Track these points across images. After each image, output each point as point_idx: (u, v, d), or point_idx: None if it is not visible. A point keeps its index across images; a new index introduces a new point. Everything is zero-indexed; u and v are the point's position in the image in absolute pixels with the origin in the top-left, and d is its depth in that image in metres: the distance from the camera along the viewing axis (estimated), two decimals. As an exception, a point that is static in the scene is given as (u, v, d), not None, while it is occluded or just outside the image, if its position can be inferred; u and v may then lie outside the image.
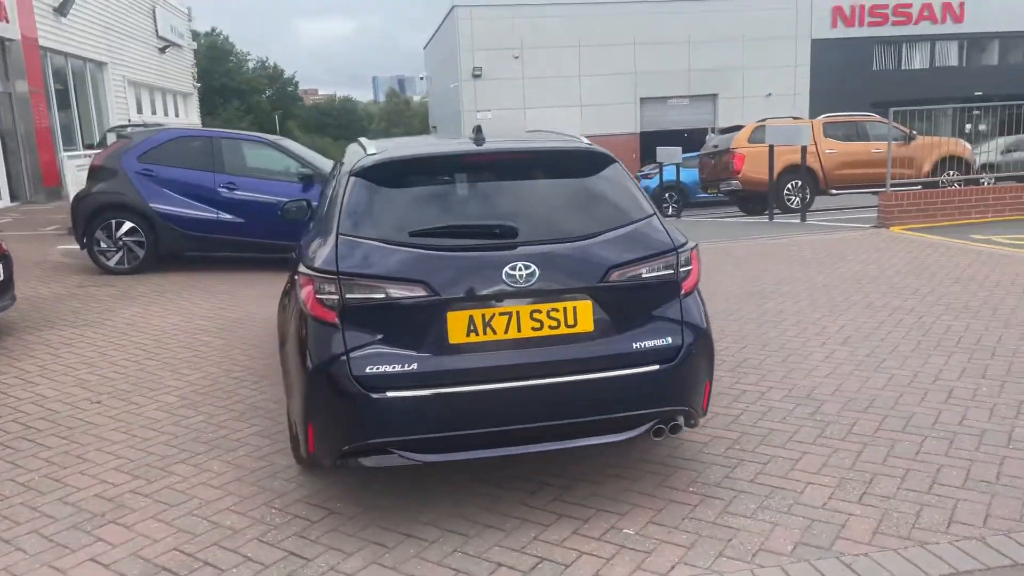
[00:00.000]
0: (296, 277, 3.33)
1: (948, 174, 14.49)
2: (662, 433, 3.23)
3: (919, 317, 6.19)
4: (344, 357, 2.98)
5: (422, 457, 3.03)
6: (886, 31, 33.61)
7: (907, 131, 14.90)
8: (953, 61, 34.62)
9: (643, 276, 3.17)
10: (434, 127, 46.52)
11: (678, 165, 18.37)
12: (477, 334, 2.99)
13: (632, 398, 3.14)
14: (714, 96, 33.11)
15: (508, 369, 3.00)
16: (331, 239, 3.18)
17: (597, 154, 3.53)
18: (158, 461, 3.99)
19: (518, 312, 3.02)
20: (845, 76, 32.83)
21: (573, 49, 32.50)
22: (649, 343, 3.14)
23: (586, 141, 3.80)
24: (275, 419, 4.52)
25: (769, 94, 32.27)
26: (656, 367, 3.13)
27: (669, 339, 3.17)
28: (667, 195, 19.44)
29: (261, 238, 9.23)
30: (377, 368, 2.97)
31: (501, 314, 3.01)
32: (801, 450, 3.76)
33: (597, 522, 3.15)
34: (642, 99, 32.93)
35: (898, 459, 3.62)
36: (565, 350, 3.05)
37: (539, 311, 3.03)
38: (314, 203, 5.93)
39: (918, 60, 34.49)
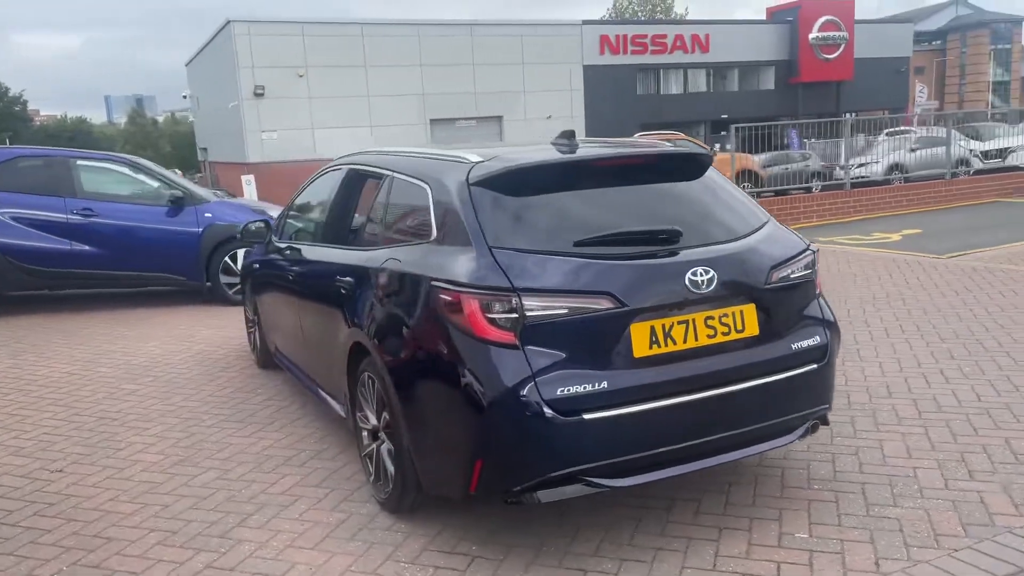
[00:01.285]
0: (428, 296, 2.99)
1: (744, 186, 16.17)
2: (807, 433, 3.31)
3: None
4: (531, 380, 2.74)
5: (612, 483, 2.85)
6: (647, 59, 36.66)
7: (706, 147, 16.39)
8: (703, 87, 38.54)
9: (792, 277, 3.23)
10: (203, 148, 43.62)
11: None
12: (659, 346, 2.89)
13: (795, 400, 3.18)
14: (500, 118, 34.15)
15: (690, 381, 2.93)
16: (478, 252, 2.91)
17: (703, 156, 3.53)
18: (208, 528, 3.41)
19: (694, 320, 2.96)
20: (615, 100, 35.38)
21: (360, 69, 32.04)
22: (804, 343, 3.20)
23: (669, 145, 3.82)
24: (303, 464, 4.04)
25: (550, 117, 33.87)
26: (812, 367, 3.19)
27: (817, 338, 3.25)
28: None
29: (126, 270, 8.16)
30: (568, 389, 2.76)
31: (679, 323, 2.93)
32: (875, 437, 4.02)
33: (761, 531, 3.16)
34: (432, 120, 33.18)
35: (962, 437, 3.98)
36: (736, 356, 3.03)
37: (712, 317, 2.98)
38: (257, 224, 5.40)
39: (674, 86, 37.99)
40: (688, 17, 55.14)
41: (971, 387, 4.73)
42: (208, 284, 8.54)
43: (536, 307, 2.78)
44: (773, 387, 3.07)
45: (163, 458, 4.26)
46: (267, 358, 5.74)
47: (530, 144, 3.93)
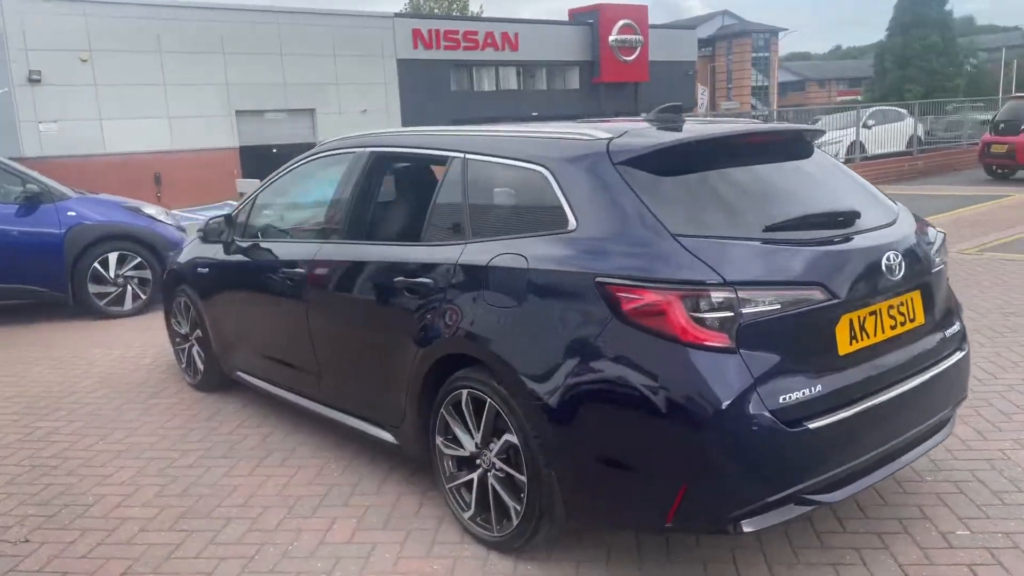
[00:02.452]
0: (594, 296, 2.57)
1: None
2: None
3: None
4: (753, 389, 2.43)
5: (826, 498, 2.61)
6: (460, 55, 36.66)
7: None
8: (513, 84, 39.17)
9: (942, 260, 3.16)
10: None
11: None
12: (857, 340, 2.68)
13: (950, 391, 3.08)
14: (312, 111, 32.66)
15: (884, 377, 2.74)
16: (660, 241, 2.53)
17: (817, 132, 3.38)
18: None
19: (881, 310, 2.78)
20: (429, 95, 35.07)
21: (154, 55, 29.28)
22: (951, 330, 3.10)
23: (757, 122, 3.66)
24: (346, 503, 3.49)
25: (365, 111, 32.91)
26: (959, 355, 3.10)
27: (957, 325, 3.17)
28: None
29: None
30: (789, 396, 2.47)
31: (870, 314, 2.74)
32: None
33: (920, 532, 3.07)
34: (238, 112, 31.04)
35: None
36: (912, 348, 2.89)
37: (893, 306, 2.82)
38: (217, 220, 4.62)
39: (487, 83, 38.30)
40: (484, 15, 55.84)
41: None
42: (73, 295, 7.28)
43: (752, 302, 2.46)
44: (939, 378, 2.97)
45: (157, 511, 3.52)
46: (216, 379, 4.94)
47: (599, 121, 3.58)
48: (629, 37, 40.18)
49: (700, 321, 2.43)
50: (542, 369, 2.69)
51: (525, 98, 38.46)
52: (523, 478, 2.84)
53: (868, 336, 2.72)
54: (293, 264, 3.97)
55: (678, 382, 2.43)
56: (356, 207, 3.78)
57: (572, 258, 2.69)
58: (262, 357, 4.42)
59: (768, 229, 2.66)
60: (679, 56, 43.41)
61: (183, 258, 5.14)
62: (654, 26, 42.48)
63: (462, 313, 3.00)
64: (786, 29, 65.23)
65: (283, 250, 4.16)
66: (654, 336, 2.46)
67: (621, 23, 39.77)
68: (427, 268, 3.18)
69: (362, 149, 3.84)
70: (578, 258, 2.67)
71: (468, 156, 3.26)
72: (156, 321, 6.30)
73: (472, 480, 3.11)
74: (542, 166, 2.90)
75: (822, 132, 3.53)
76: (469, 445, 3.09)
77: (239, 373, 4.68)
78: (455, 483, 3.20)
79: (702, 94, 50.54)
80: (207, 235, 4.76)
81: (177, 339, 5.30)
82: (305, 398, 4.08)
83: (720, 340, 2.43)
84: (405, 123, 33.43)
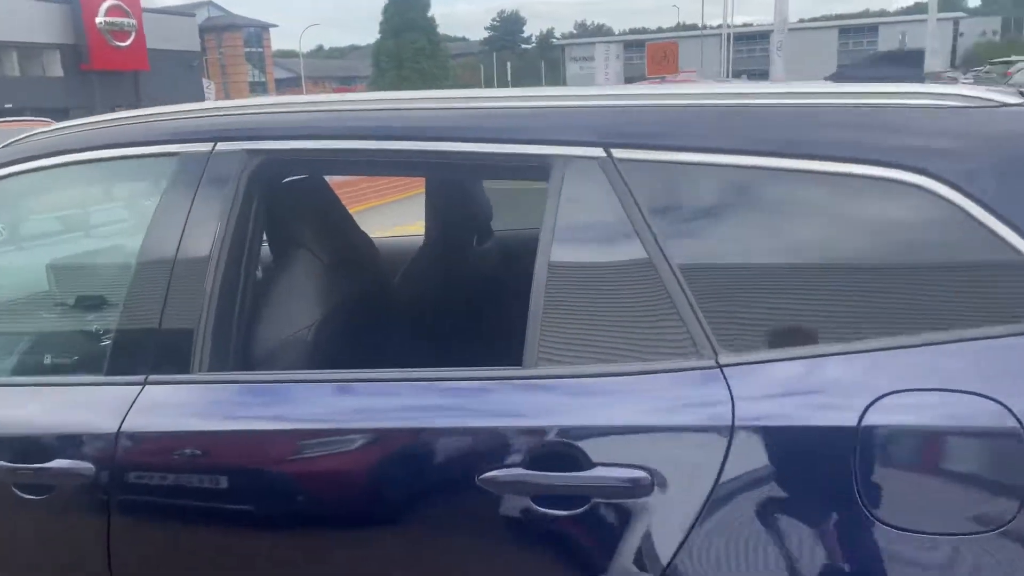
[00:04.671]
0: None
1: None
2: None
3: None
4: None
5: None
6: None
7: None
8: (-26, 70, 31.95)
9: None
10: None
11: None
12: None
13: None
14: None
15: None
16: None
17: None
18: None
19: None
20: None
21: None
22: None
23: None
24: None
25: None
26: None
27: None
28: None
29: None
30: None
31: None
32: None
33: None
34: None
35: None
36: None
37: None
38: None
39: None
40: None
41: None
42: None
43: None
44: None
45: None
46: None
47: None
48: (120, 20, 35.81)
49: None
50: None
51: (-7, 86, 31.68)
52: None
53: None
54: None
55: None
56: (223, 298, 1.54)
57: None
58: None
59: None
60: (181, 45, 40.21)
61: None
62: (148, 10, 38.67)
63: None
64: (276, 25, 65.53)
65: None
66: None
67: (109, 3, 35.31)
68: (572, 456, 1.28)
69: (233, 147, 1.57)
70: None
71: (656, 155, 1.37)
72: None
73: None
74: (918, 170, 1.25)
75: None
76: None
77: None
78: None
79: (208, 87, 47.74)
80: None
81: None
82: None
83: None
84: None
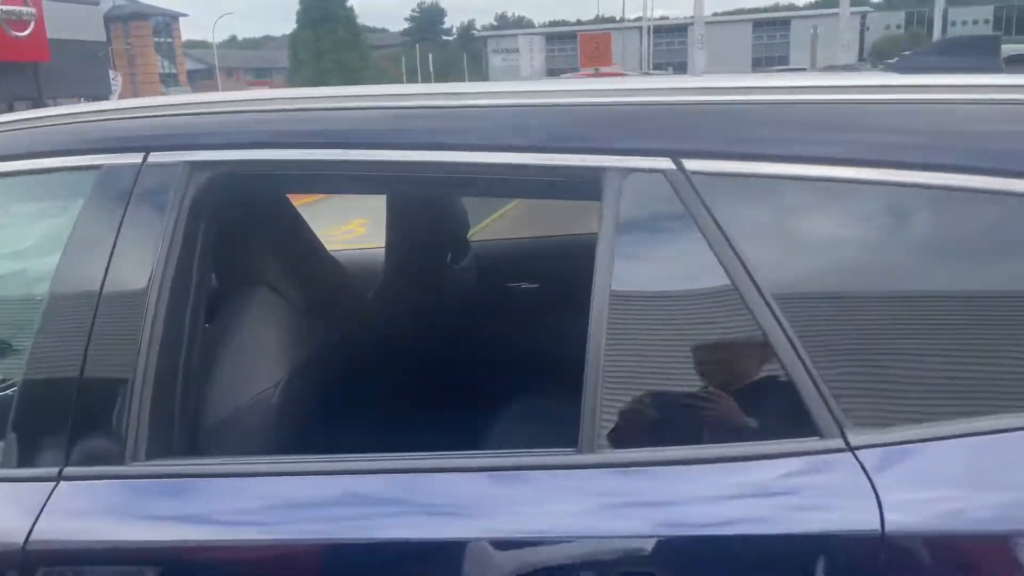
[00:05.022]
0: None
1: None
2: None
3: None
4: None
5: None
6: None
7: None
8: None
9: None
10: None
11: None
12: None
13: None
14: None
15: None
16: None
17: None
18: None
19: None
20: None
21: None
22: None
23: None
24: None
25: None
26: None
27: None
28: None
29: None
30: None
31: None
32: None
33: None
34: None
35: None
36: None
37: None
38: None
39: None
40: None
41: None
42: None
43: None
44: None
45: None
46: None
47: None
48: (18, 8, 33.63)
49: None
50: None
51: None
52: None
53: None
54: None
55: None
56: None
57: None
58: None
59: None
60: (85, 35, 38.10)
61: None
62: (48, -2, 36.59)
63: None
64: (186, 14, 63.28)
65: None
66: None
67: (5, -9, 33.26)
68: None
69: (170, 158, 1.18)
70: None
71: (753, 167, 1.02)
72: None
73: None
74: None
75: None
76: None
77: None
78: None
79: (115, 80, 45.71)
80: None
81: None
82: None
83: None
84: None
